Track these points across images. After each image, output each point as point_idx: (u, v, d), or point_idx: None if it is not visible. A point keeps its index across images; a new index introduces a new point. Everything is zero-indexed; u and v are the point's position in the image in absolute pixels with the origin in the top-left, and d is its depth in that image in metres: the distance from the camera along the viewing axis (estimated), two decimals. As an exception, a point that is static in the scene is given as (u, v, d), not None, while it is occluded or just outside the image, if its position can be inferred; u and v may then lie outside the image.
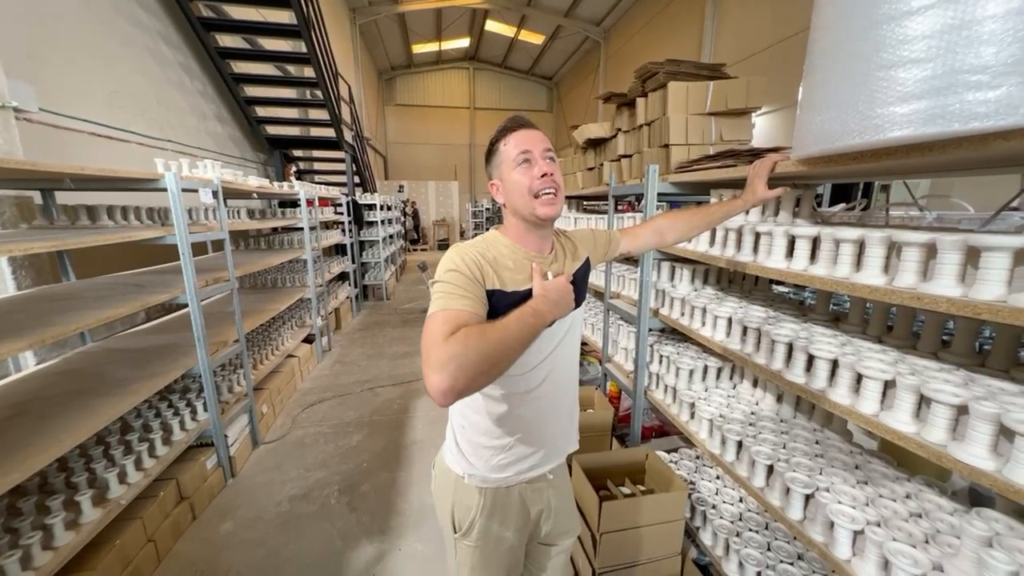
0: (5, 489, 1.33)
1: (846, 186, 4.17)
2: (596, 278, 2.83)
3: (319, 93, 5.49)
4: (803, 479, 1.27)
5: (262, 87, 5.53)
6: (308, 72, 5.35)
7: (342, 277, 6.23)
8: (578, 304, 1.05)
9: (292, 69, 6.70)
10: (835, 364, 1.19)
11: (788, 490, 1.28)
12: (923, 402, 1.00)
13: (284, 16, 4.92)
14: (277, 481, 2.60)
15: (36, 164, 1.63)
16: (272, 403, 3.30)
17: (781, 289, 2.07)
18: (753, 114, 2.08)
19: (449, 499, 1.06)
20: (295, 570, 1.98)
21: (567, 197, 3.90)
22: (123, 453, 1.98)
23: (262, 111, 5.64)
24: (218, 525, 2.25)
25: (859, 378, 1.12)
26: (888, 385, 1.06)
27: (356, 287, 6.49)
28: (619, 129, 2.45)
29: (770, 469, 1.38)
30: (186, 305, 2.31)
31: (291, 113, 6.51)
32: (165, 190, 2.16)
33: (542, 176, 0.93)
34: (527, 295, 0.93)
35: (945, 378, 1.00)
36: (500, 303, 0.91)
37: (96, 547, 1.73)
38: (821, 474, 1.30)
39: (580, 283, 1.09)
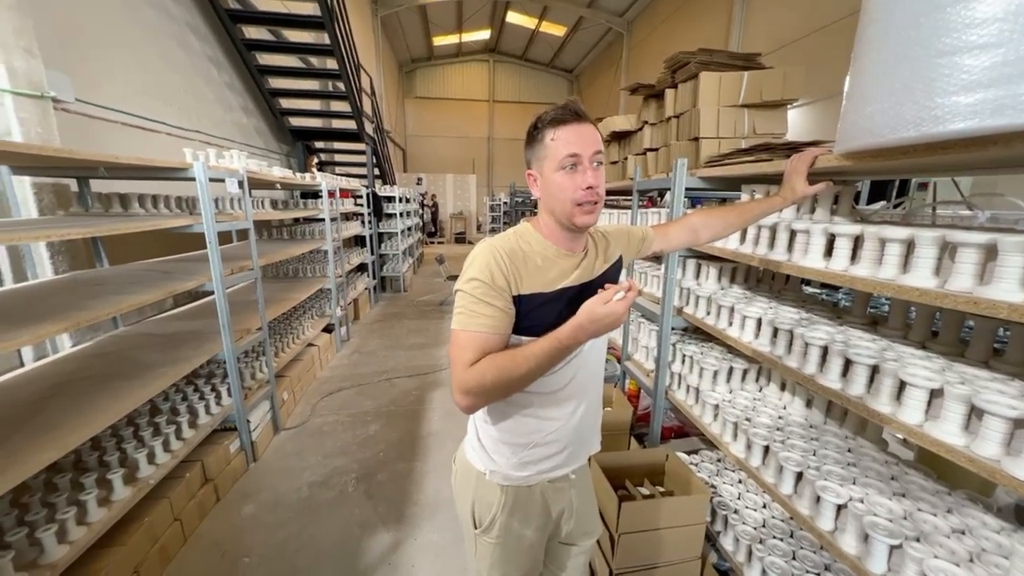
0: (41, 467, 1.38)
1: (881, 184, 4.01)
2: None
3: (341, 85, 5.53)
4: (835, 488, 1.22)
5: (286, 79, 5.59)
6: (331, 64, 5.38)
7: (361, 268, 6.30)
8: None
9: (315, 61, 6.76)
10: (874, 370, 1.14)
11: (819, 499, 1.23)
12: (973, 413, 0.94)
13: (308, 7, 4.94)
14: (297, 467, 2.65)
15: (73, 152, 1.68)
16: (293, 390, 3.36)
17: (812, 290, 1.99)
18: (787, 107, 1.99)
19: (470, 495, 1.05)
20: (314, 555, 2.01)
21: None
22: (152, 434, 2.04)
23: (286, 103, 5.71)
24: (240, 507, 2.31)
25: (901, 386, 1.06)
26: (934, 394, 1.00)
27: (375, 278, 6.56)
28: (645, 122, 2.37)
29: (799, 476, 1.33)
30: (212, 292, 2.36)
31: (314, 105, 6.57)
32: (193, 179, 2.20)
33: (587, 188, 0.87)
34: (555, 296, 0.91)
35: (999, 388, 0.94)
36: (526, 306, 0.89)
37: (126, 524, 1.79)
38: (854, 484, 1.25)
39: (613, 281, 1.06)
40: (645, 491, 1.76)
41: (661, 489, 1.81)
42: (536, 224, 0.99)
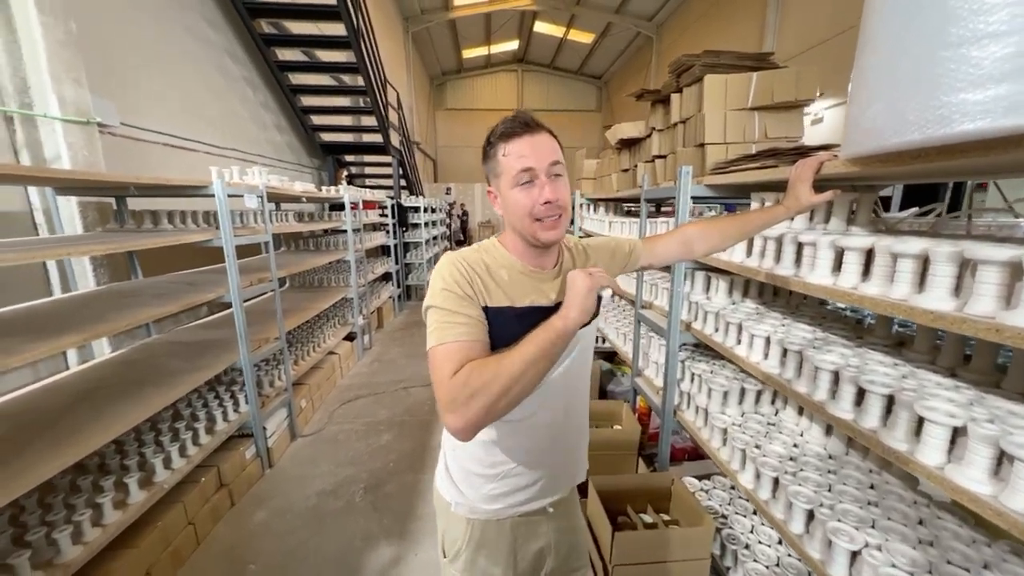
0: (56, 471, 1.46)
1: (932, 186, 3.67)
2: (628, 285, 2.68)
3: (369, 100, 5.73)
4: (849, 531, 1.09)
5: (317, 96, 5.86)
6: (361, 81, 5.59)
7: (386, 277, 6.45)
8: (584, 324, 0.96)
9: (347, 79, 7.05)
10: (891, 400, 1.01)
11: (831, 542, 1.10)
12: (1005, 457, 0.80)
13: (339, 28, 5.16)
14: (309, 475, 2.71)
15: (98, 175, 1.81)
16: (311, 398, 3.45)
17: (840, 305, 1.82)
18: (819, 107, 1.84)
19: (441, 523, 1.03)
20: (317, 564, 2.03)
21: (604, 200, 3.75)
22: (170, 440, 2.13)
23: (317, 119, 5.97)
24: (253, 513, 2.38)
25: (921, 420, 0.93)
26: (958, 432, 0.87)
27: (399, 287, 6.69)
28: (653, 128, 2.28)
29: (811, 514, 1.20)
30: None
31: (344, 121, 6.84)
32: (214, 196, 2.31)
33: (545, 203, 0.82)
34: (526, 312, 0.86)
35: (1036, 429, 0.81)
36: (494, 320, 0.85)
37: (140, 527, 1.87)
38: (873, 527, 1.11)
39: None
40: (648, 519, 1.66)
41: (666, 517, 1.70)
42: (503, 240, 0.95)
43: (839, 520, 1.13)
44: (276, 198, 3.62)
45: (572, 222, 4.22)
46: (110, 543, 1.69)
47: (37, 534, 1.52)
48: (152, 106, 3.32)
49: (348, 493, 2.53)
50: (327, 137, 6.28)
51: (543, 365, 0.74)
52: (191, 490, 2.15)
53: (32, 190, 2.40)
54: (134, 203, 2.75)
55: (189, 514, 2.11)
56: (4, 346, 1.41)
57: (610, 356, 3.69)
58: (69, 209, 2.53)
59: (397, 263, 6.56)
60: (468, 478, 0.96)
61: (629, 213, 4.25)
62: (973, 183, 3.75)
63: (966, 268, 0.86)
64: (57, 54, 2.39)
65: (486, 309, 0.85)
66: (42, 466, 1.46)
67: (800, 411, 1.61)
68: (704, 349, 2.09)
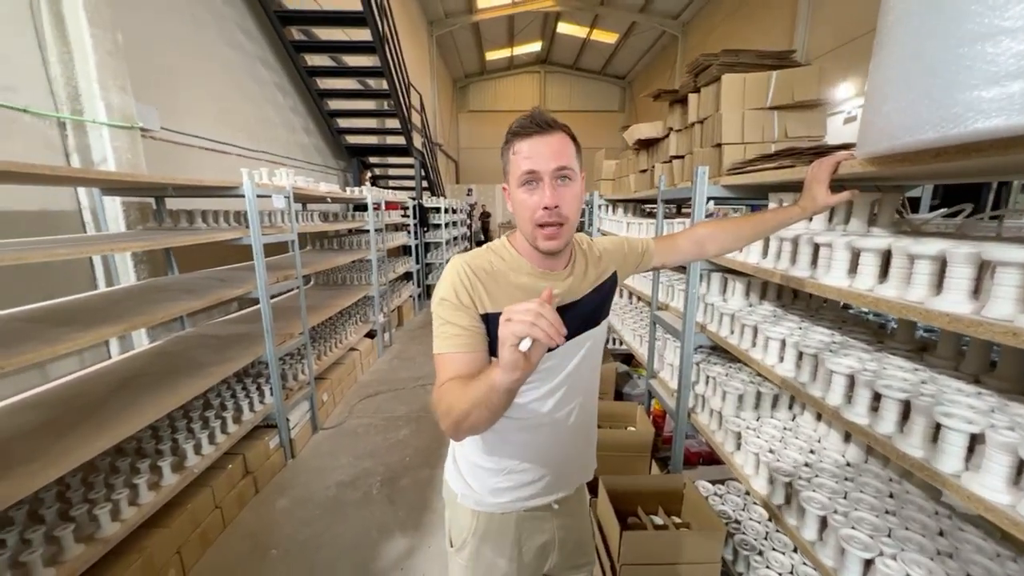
0: (98, 452, 1.57)
1: (975, 185, 3.49)
2: (643, 286, 2.65)
3: (393, 103, 5.86)
4: (863, 539, 1.06)
5: (343, 100, 6.03)
6: (386, 85, 5.73)
7: (407, 276, 6.58)
8: (595, 325, 0.97)
9: (372, 82, 7.23)
10: (908, 406, 0.98)
11: (843, 550, 1.08)
12: (1025, 466, 0.78)
13: (366, 34, 5.31)
14: (329, 467, 2.80)
15: (140, 176, 1.93)
16: (333, 392, 3.56)
17: (861, 308, 1.77)
18: (853, 105, 1.79)
19: (449, 513, 1.06)
20: (333, 553, 2.10)
21: (622, 201, 3.72)
22: (201, 427, 2.25)
23: (343, 122, 6.15)
24: (275, 501, 2.48)
25: (939, 426, 0.90)
26: (976, 439, 0.84)
27: (419, 286, 6.81)
28: (671, 128, 2.26)
29: (823, 521, 1.18)
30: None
31: (369, 123, 7.02)
32: (244, 196, 2.43)
33: (544, 208, 0.80)
34: None
35: (1060, 438, 0.77)
36: (495, 327, 0.86)
37: (172, 508, 1.98)
38: (889, 536, 1.08)
39: (604, 300, 1.01)
40: (659, 520, 1.65)
41: (677, 520, 1.68)
42: (513, 239, 0.96)
43: (853, 527, 1.10)
44: (302, 199, 3.76)
45: (590, 223, 4.21)
46: (144, 522, 1.79)
47: (80, 510, 1.64)
48: (190, 111, 3.50)
49: (366, 485, 2.61)
50: (352, 140, 6.45)
51: (484, 412, 0.70)
52: (219, 476, 2.26)
53: (81, 190, 2.57)
54: (171, 203, 2.91)
55: (217, 498, 2.22)
56: (54, 335, 1.53)
57: (627, 359, 3.66)
58: (114, 209, 2.70)
59: (418, 263, 6.68)
60: (474, 471, 0.98)
61: (650, 214, 4.21)
62: (1021, 183, 3.55)
63: (987, 270, 0.83)
64: (105, 63, 2.56)
65: (486, 316, 0.84)
66: (85, 447, 1.57)
67: (818, 417, 1.57)
68: (720, 352, 2.05)
